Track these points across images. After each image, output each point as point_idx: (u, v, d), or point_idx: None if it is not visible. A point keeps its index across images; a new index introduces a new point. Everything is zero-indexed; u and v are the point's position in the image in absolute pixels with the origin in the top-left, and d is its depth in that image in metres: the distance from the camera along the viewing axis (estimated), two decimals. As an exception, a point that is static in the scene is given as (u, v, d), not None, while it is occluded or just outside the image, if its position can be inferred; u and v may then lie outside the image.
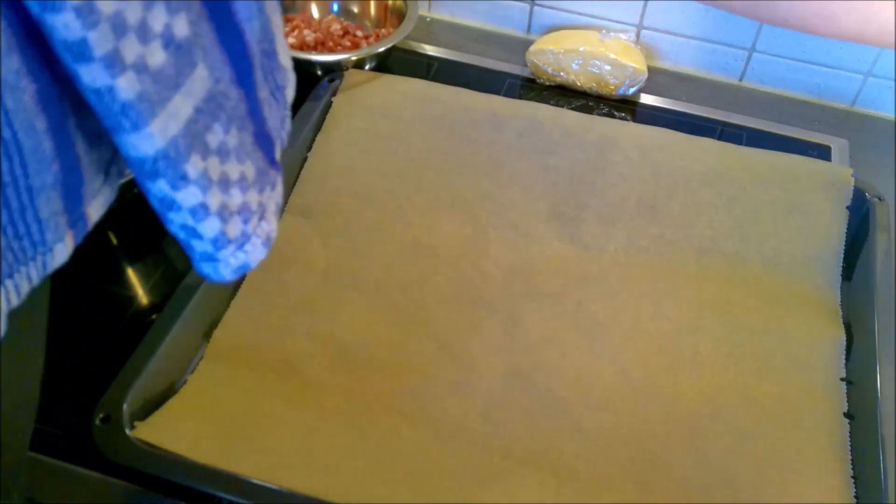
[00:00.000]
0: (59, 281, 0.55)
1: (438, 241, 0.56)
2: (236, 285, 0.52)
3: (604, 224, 0.58)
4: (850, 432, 0.46)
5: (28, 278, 0.24)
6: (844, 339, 0.51)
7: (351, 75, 0.67)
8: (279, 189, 0.31)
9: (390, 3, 0.76)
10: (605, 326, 0.51)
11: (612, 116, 0.70)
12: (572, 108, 0.71)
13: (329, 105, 0.65)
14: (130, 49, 0.21)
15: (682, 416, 0.47)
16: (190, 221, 0.26)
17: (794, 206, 0.57)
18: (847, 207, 0.57)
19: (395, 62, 0.73)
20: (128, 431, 0.42)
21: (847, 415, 0.47)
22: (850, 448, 0.45)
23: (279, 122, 0.31)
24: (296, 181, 0.59)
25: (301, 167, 0.60)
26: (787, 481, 0.44)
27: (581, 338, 0.51)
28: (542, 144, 0.62)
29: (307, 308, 0.51)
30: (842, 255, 0.56)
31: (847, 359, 0.50)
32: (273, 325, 0.50)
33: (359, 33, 0.75)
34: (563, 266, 0.55)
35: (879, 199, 0.57)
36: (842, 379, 0.49)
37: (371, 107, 0.64)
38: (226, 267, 0.28)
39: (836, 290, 0.54)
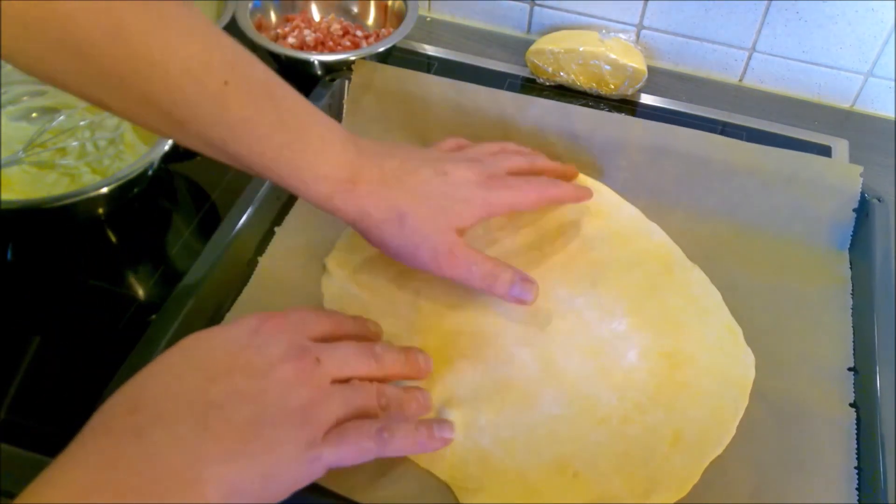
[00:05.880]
0: (59, 281, 0.55)
1: None
2: (238, 286, 0.52)
3: None
4: (853, 428, 0.46)
5: None
6: (851, 336, 0.51)
7: (360, 66, 0.64)
8: None
9: (390, 3, 0.76)
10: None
11: (612, 116, 0.70)
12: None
13: (329, 105, 0.65)
14: None
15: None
16: None
17: (800, 208, 0.57)
18: (854, 210, 0.57)
19: (395, 62, 0.73)
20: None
21: (852, 405, 0.48)
22: (855, 443, 0.46)
23: None
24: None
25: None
26: (789, 479, 0.44)
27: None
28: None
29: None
30: (847, 255, 0.56)
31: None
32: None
33: (359, 33, 0.75)
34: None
35: (879, 200, 0.57)
36: (849, 369, 0.50)
37: (377, 108, 0.64)
38: None
39: (844, 288, 0.54)
